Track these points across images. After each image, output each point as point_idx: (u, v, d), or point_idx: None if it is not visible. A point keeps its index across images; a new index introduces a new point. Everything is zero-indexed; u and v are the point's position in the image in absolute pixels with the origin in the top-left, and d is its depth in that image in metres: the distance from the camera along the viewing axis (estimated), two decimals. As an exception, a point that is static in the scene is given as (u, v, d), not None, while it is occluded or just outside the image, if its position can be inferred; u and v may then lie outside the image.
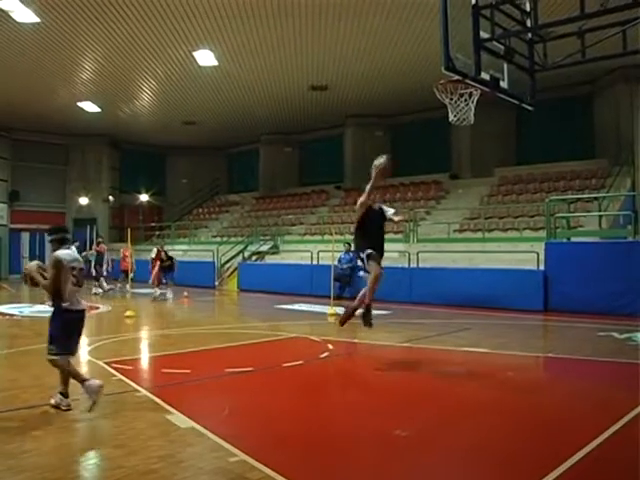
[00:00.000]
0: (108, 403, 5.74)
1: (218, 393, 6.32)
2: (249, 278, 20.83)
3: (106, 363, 7.51)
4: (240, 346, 9.38)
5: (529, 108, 7.40)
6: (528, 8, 6.97)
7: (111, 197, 30.71)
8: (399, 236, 20.10)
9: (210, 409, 5.60)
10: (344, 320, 8.11)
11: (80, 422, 5.21)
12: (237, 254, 23.56)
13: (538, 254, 14.30)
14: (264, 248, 23.20)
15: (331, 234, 17.06)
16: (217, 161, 33.79)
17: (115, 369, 7.15)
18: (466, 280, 14.95)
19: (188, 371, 7.11)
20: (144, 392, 6.07)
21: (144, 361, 8.52)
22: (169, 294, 17.91)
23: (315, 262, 18.99)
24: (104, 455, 4.35)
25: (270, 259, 22.42)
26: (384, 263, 7.68)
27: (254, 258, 22.77)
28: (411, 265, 16.54)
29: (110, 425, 5.05)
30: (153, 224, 30.10)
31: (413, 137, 25.74)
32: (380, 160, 7.34)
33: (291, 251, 21.69)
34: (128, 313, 12.85)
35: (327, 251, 17.22)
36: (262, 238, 24.03)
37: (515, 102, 7.37)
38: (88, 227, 28.58)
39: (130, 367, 7.40)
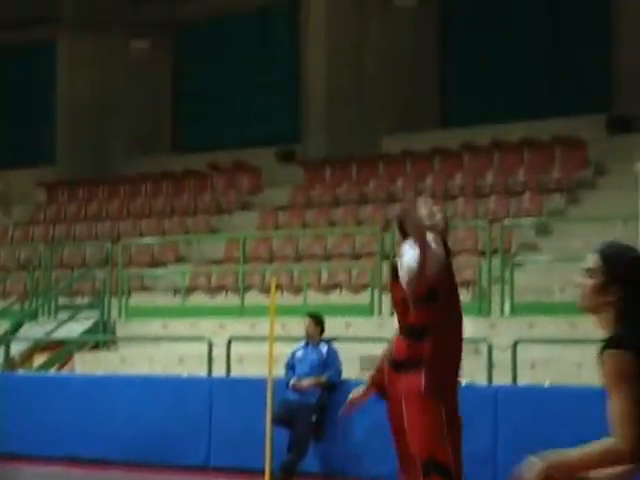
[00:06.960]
0: None
1: None
2: (17, 421, 8.55)
3: None
4: None
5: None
6: None
7: None
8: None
9: None
10: None
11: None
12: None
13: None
14: (74, 330, 9.72)
15: (273, 289, 6.58)
16: None
17: None
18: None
19: None
20: None
21: None
22: None
23: (220, 370, 8.39)
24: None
25: (89, 364, 9.89)
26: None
27: (38, 362, 9.46)
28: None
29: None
30: None
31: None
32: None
33: (148, 339, 10.20)
34: None
35: (253, 339, 8.81)
36: (65, 305, 10.59)
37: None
38: None
39: None
